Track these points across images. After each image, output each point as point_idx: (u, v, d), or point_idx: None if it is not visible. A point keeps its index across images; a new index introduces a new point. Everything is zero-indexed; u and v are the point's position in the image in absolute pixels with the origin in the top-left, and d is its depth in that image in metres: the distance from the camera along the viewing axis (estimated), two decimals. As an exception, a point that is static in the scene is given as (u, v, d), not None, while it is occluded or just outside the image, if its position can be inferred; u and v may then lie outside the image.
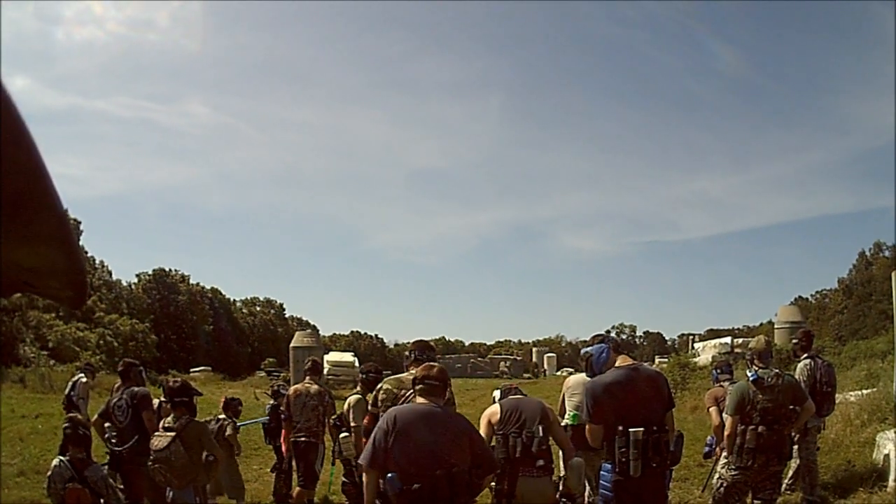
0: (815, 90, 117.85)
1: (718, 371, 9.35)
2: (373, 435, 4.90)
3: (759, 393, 6.95)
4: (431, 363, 5.46)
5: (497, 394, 7.02)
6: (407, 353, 6.90)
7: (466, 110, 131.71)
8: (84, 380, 14.37)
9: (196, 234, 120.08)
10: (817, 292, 74.11)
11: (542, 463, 6.09)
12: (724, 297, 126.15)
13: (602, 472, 5.90)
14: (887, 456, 9.15)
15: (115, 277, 60.43)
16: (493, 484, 5.95)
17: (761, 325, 69.28)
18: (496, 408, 6.52)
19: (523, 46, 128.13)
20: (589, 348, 6.12)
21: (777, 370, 7.21)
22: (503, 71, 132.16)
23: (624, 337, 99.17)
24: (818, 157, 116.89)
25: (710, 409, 8.41)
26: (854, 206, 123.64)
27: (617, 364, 5.88)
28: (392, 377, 6.59)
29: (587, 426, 5.85)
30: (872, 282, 58.30)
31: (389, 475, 4.64)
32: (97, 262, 58.25)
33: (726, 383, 8.65)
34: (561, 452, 6.48)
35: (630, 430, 5.55)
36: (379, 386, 6.53)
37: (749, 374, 7.18)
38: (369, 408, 6.60)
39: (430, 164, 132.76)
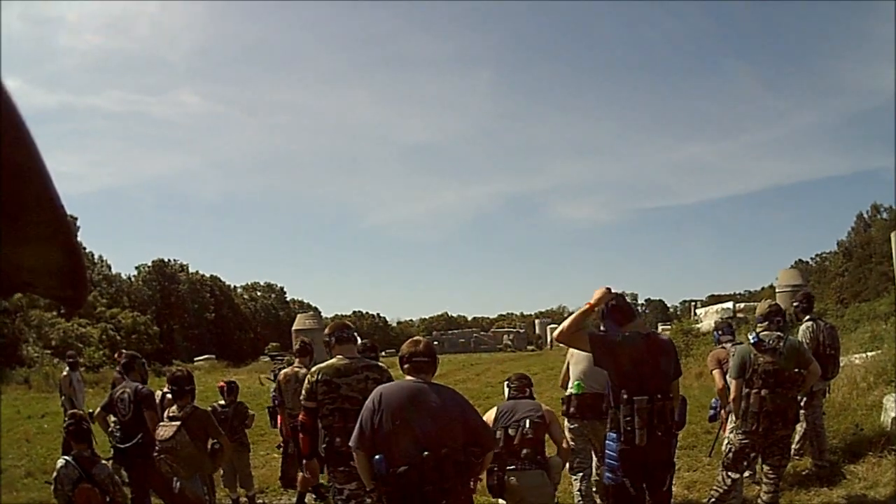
0: (806, 53, 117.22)
1: (720, 332, 9.22)
2: (360, 415, 4.71)
3: (761, 356, 6.93)
4: (417, 339, 5.17)
5: (506, 390, 6.86)
6: (326, 338, 6.32)
7: (457, 85, 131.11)
8: (64, 373, 14.39)
9: (193, 223, 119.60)
10: (817, 255, 73.83)
11: (527, 452, 5.97)
12: (724, 263, 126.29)
13: (607, 442, 5.82)
14: (895, 419, 9.10)
15: (114, 271, 60.57)
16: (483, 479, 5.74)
17: (762, 289, 69.22)
18: (493, 411, 6.37)
19: (511, 19, 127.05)
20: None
21: (779, 333, 7.16)
22: (492, 44, 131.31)
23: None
24: (811, 120, 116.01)
25: (714, 372, 8.32)
26: (849, 169, 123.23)
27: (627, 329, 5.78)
28: (324, 364, 6.10)
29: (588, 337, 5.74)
30: (871, 244, 58.25)
31: (376, 457, 4.49)
32: (96, 256, 58.37)
33: (728, 344, 8.58)
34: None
35: (634, 398, 5.52)
36: (311, 377, 6.01)
37: (750, 337, 7.18)
38: (303, 401, 6.05)
39: (423, 140, 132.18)
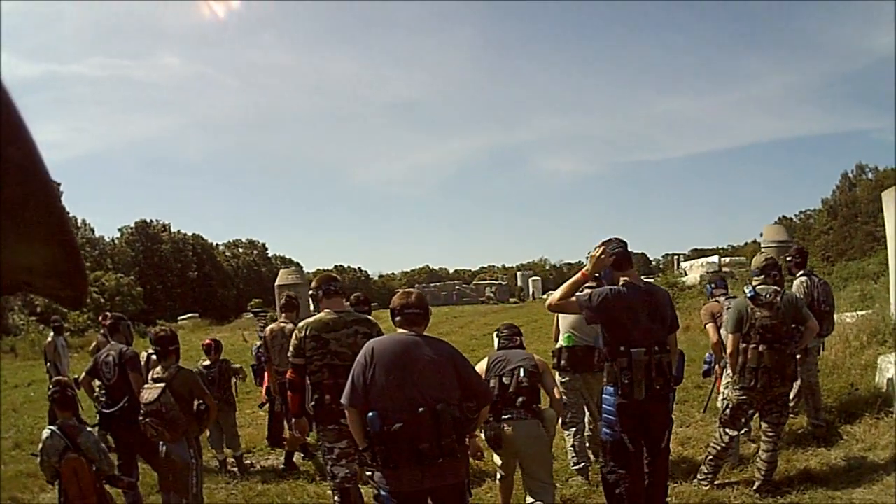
0: (790, 12, 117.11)
1: (713, 286, 9.08)
2: (352, 370, 4.53)
3: (758, 310, 6.82)
4: (408, 290, 5.00)
5: (496, 340, 6.67)
6: (312, 291, 6.22)
7: (437, 42, 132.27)
8: (49, 339, 14.21)
9: (175, 184, 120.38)
10: (801, 212, 74.31)
11: (523, 400, 5.78)
12: (707, 217, 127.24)
13: (604, 396, 5.74)
14: (891, 380, 9.05)
15: (97, 234, 60.61)
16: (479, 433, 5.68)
17: (746, 244, 69.80)
18: (484, 361, 6.18)
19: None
20: None
21: (776, 287, 7.04)
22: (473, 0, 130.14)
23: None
24: (797, 79, 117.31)
25: (707, 326, 8.29)
26: (833, 128, 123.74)
27: (623, 281, 5.69)
28: (312, 319, 5.91)
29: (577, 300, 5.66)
30: (857, 203, 58.61)
31: (370, 414, 4.32)
32: (79, 220, 58.11)
33: (722, 298, 8.47)
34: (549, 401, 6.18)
35: (632, 350, 5.42)
36: (298, 332, 5.84)
37: (746, 291, 7.05)
38: (290, 358, 5.89)
39: (405, 97, 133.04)
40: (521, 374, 5.85)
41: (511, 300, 51.94)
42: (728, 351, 7.05)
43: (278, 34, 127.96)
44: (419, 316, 4.70)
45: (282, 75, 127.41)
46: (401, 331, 4.65)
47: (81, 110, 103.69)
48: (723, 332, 7.62)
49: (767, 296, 6.86)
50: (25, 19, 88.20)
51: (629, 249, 5.78)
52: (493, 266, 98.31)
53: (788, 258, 9.36)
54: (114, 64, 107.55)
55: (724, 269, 28.60)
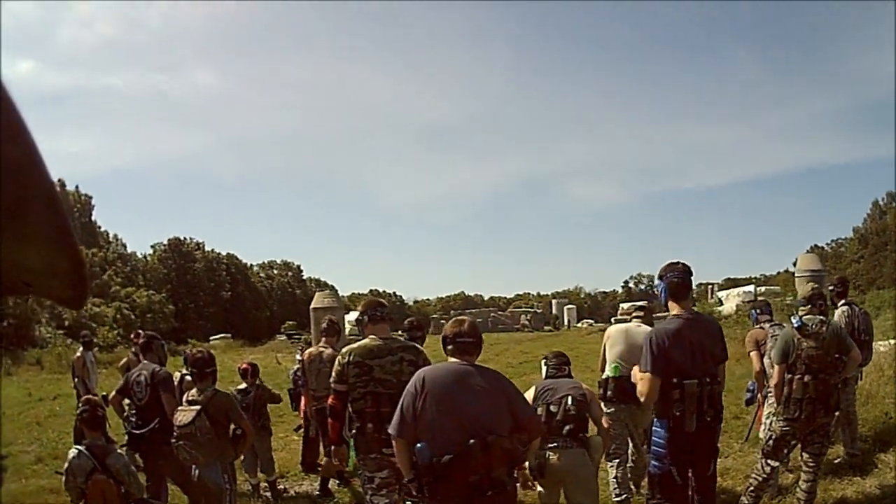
0: (821, 39, 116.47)
1: (758, 311, 8.96)
2: (401, 399, 4.42)
3: (804, 340, 6.73)
4: (461, 318, 4.88)
5: (544, 369, 6.58)
6: (359, 316, 6.06)
7: (473, 63, 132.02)
8: (78, 354, 14.20)
9: (209, 202, 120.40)
10: (833, 241, 73.54)
11: (570, 428, 5.70)
12: (739, 247, 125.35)
13: (654, 429, 5.63)
14: (925, 409, 8.93)
15: (129, 250, 60.91)
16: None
17: (778, 273, 69.08)
18: (532, 389, 6.08)
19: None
20: (658, 281, 5.87)
21: (822, 317, 6.95)
22: (507, 22, 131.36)
23: (642, 287, 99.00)
24: (826, 106, 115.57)
25: (751, 354, 8.26)
26: (864, 156, 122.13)
27: (674, 313, 5.62)
28: (356, 345, 5.78)
29: (645, 376, 5.48)
30: (887, 231, 58.03)
31: (419, 445, 4.18)
32: (111, 235, 58.73)
33: (766, 325, 8.40)
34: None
35: (684, 382, 5.33)
36: (342, 358, 5.71)
37: (793, 321, 6.96)
38: (333, 384, 5.75)
39: (439, 119, 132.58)
40: (569, 402, 5.79)
41: (546, 328, 51.60)
42: (773, 382, 6.97)
43: (311, 52, 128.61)
44: (471, 345, 4.60)
45: (316, 93, 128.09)
46: (452, 360, 4.56)
47: (113, 124, 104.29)
48: (766, 360, 7.54)
49: (814, 326, 6.78)
50: (55, 26, 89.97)
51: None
52: (528, 293, 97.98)
53: (830, 287, 9.31)
54: (146, 78, 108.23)
55: (760, 298, 28.31)
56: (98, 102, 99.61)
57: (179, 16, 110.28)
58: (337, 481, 8.95)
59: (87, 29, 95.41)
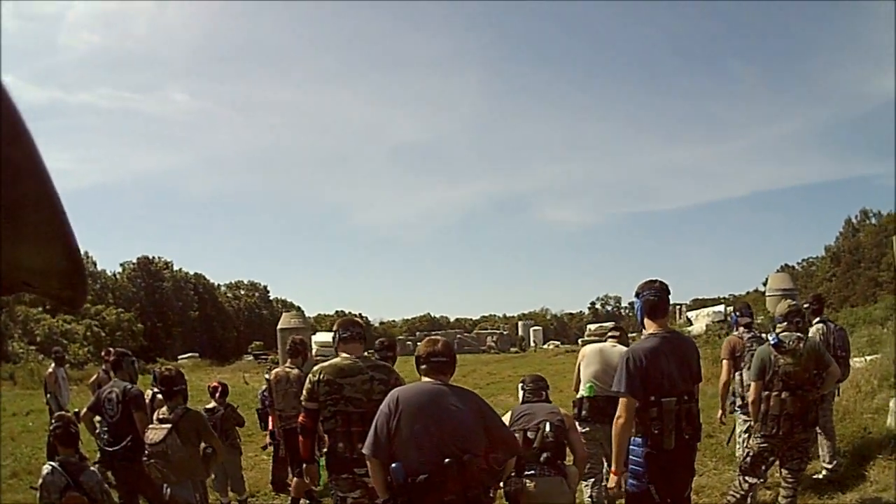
0: (795, 58, 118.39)
1: (738, 314, 8.99)
2: (375, 419, 4.34)
3: (781, 357, 6.73)
4: (434, 338, 4.81)
5: (520, 392, 6.47)
6: (333, 334, 5.98)
7: (446, 85, 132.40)
8: (50, 370, 14.06)
9: (180, 221, 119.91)
10: (804, 260, 74.47)
11: (547, 456, 5.60)
12: (708, 267, 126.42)
13: (632, 447, 5.54)
14: (902, 423, 9.00)
15: (99, 268, 60.71)
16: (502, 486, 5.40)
17: (748, 293, 69.49)
18: (508, 414, 5.99)
19: (499, 19, 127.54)
20: (634, 299, 5.84)
21: (799, 334, 6.95)
22: (480, 45, 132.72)
23: (609, 308, 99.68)
24: (798, 125, 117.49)
25: (724, 361, 8.28)
26: (836, 174, 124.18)
27: (651, 331, 5.57)
28: (326, 364, 5.71)
29: (622, 399, 5.40)
30: (861, 249, 58.70)
31: (393, 465, 4.12)
32: (82, 252, 58.11)
33: (745, 334, 8.39)
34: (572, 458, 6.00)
35: (662, 400, 5.29)
36: (313, 376, 5.62)
37: (770, 339, 6.97)
38: (303, 402, 5.71)
39: (412, 139, 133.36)
40: (547, 428, 5.67)
41: (512, 349, 51.72)
42: (750, 399, 6.95)
43: (288, 72, 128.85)
44: (445, 364, 4.55)
45: (290, 113, 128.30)
46: (426, 379, 4.50)
47: (89, 140, 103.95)
48: (745, 375, 7.59)
49: (790, 343, 6.77)
50: (34, 42, 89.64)
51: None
52: (494, 315, 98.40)
53: (805, 305, 9.30)
54: (122, 96, 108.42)
55: (730, 318, 28.53)
56: (73, 119, 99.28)
57: (156, 35, 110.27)
58: (307, 501, 8.84)
59: (64, 46, 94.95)
